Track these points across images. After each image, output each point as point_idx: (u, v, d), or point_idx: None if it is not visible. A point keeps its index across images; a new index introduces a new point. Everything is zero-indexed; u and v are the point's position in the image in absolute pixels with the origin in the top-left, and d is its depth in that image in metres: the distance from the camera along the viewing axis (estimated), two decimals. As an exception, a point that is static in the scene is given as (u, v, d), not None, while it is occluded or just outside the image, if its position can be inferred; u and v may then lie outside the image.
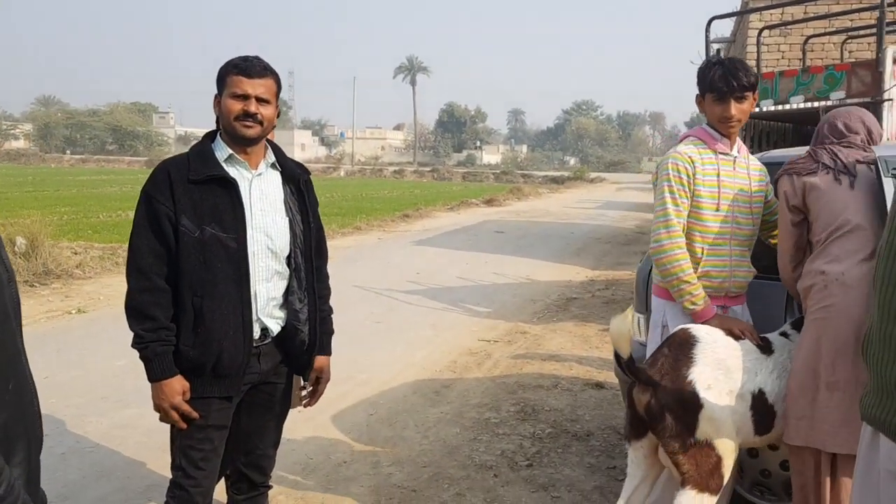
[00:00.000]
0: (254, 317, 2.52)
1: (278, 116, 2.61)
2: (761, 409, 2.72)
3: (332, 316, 2.91)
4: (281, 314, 2.63)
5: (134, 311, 2.42)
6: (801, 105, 6.54)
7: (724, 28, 23.92)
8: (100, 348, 6.43)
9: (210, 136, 2.58)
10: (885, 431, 1.69)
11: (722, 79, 2.91)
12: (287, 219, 2.60)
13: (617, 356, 2.72)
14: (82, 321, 7.54)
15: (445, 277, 10.62)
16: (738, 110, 2.95)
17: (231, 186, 2.46)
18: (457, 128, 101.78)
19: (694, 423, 2.59)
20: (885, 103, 5.94)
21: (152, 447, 4.26)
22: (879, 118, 5.93)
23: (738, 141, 3.09)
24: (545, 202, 29.51)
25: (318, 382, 2.88)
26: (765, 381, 2.74)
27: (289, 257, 2.60)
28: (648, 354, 2.98)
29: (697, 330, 2.80)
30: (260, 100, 2.49)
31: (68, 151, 75.00)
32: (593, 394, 5.43)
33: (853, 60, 8.38)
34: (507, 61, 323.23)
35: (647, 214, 23.21)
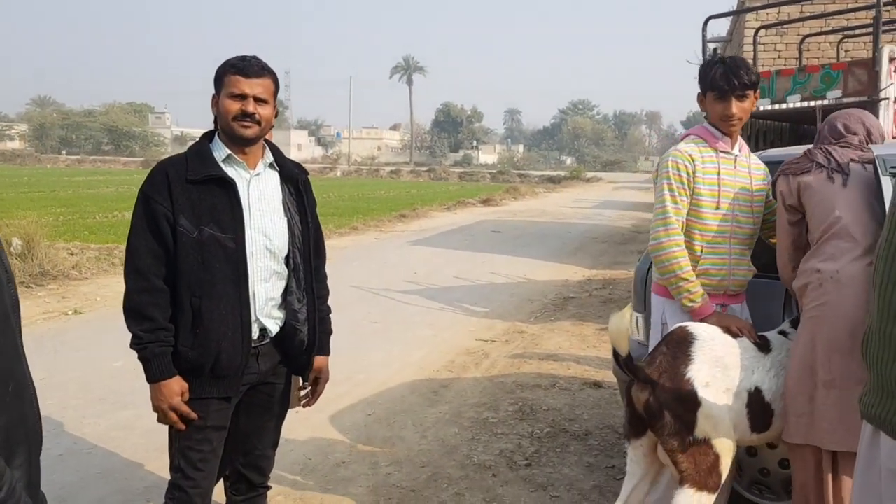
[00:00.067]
0: (252, 317, 2.51)
1: (276, 116, 2.60)
2: (758, 407, 2.72)
3: (331, 316, 2.90)
4: (279, 314, 2.62)
5: (132, 311, 2.41)
6: (798, 104, 6.56)
7: (721, 27, 23.96)
8: (97, 349, 6.41)
9: (208, 136, 2.58)
10: (885, 430, 1.69)
11: (723, 77, 2.92)
12: (285, 219, 2.60)
13: (615, 354, 2.73)
14: (79, 322, 7.53)
15: (442, 277, 10.62)
16: (740, 109, 2.96)
17: (229, 186, 2.46)
18: (453, 127, 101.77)
19: (692, 420, 2.60)
20: (882, 102, 5.95)
21: (150, 448, 4.26)
22: (876, 117, 5.94)
23: (740, 140, 3.10)
24: (542, 202, 29.53)
25: (317, 383, 2.87)
26: (762, 379, 2.75)
27: (287, 257, 2.60)
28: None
29: (695, 328, 2.80)
30: (258, 100, 2.48)
31: (64, 152, 74.85)
32: (591, 393, 5.44)
33: (849, 60, 8.39)
34: (503, 61, 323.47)
35: (644, 214, 23.26)
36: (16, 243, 9.60)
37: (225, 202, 2.45)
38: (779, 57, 10.97)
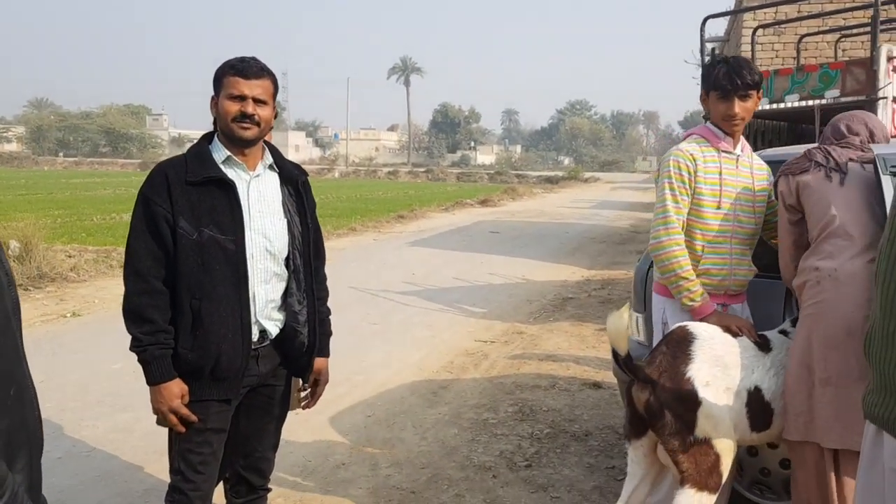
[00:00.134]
0: (252, 319, 2.50)
1: (276, 117, 2.60)
2: (758, 407, 2.72)
3: (330, 317, 2.89)
4: (279, 316, 2.61)
5: (132, 313, 2.40)
6: (796, 103, 6.56)
7: (718, 27, 23.98)
8: (95, 352, 6.40)
9: (207, 138, 2.57)
10: (889, 430, 1.68)
11: (726, 77, 2.92)
12: (285, 220, 2.59)
13: (615, 354, 2.72)
14: (77, 324, 7.51)
15: (441, 278, 10.62)
16: (742, 108, 2.96)
17: (229, 188, 2.45)
18: (451, 128, 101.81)
19: (693, 420, 2.59)
20: (880, 101, 5.95)
21: (149, 451, 4.25)
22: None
23: (742, 140, 3.10)
24: (540, 202, 29.54)
25: (317, 384, 2.86)
26: (762, 378, 2.74)
27: (287, 259, 2.59)
28: None
29: (695, 327, 2.80)
30: (257, 101, 2.47)
31: (61, 154, 74.81)
32: (591, 394, 5.43)
33: (847, 59, 8.40)
34: (500, 61, 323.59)
35: (642, 214, 23.28)
36: (13, 246, 9.59)
37: (225, 204, 2.44)
38: (776, 56, 10.98)
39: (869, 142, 2.83)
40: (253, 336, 2.51)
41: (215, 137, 2.55)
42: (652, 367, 2.69)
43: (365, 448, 4.43)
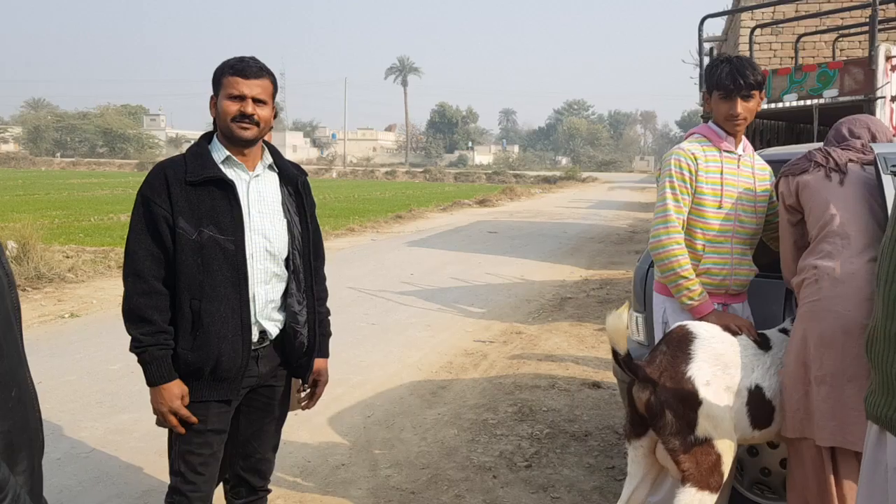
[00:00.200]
0: (252, 319, 2.49)
1: (275, 117, 2.59)
2: (758, 405, 2.71)
3: (329, 318, 2.89)
4: (279, 317, 2.61)
5: (131, 314, 2.39)
6: (795, 103, 6.57)
7: (716, 27, 23.98)
8: (94, 352, 6.38)
9: (206, 138, 2.56)
10: (892, 430, 1.68)
11: (729, 76, 2.92)
12: (285, 220, 2.58)
13: (615, 353, 2.72)
14: (75, 325, 7.50)
15: (439, 278, 10.61)
16: (745, 108, 2.96)
17: (229, 188, 2.44)
18: (448, 128, 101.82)
19: (694, 419, 2.59)
20: (878, 101, 5.96)
21: (148, 452, 4.24)
22: (872, 115, 5.95)
23: (744, 139, 3.10)
24: (538, 202, 29.54)
25: (317, 385, 2.85)
26: (762, 376, 2.74)
27: (287, 259, 2.58)
28: None
29: (695, 326, 2.80)
30: (256, 101, 2.46)
31: (58, 154, 74.73)
32: (590, 394, 5.43)
33: (845, 58, 8.41)
34: (498, 61, 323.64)
35: (640, 213, 23.29)
36: (11, 246, 9.57)
37: (224, 204, 2.43)
38: (774, 56, 10.99)
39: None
40: (253, 337, 2.51)
41: (214, 137, 2.54)
42: (652, 366, 2.69)
43: (364, 448, 4.42)
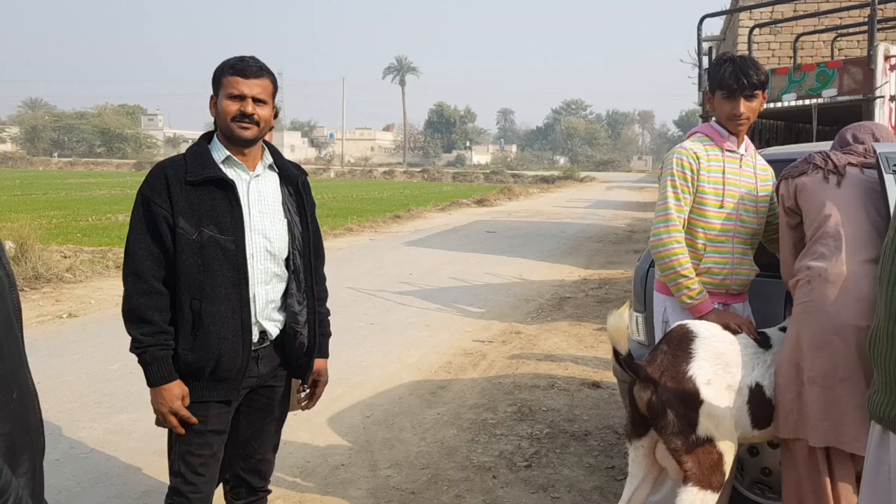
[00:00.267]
0: (252, 320, 2.49)
1: (276, 117, 2.58)
2: (758, 404, 2.71)
3: (329, 318, 2.88)
4: (279, 317, 2.60)
5: (131, 314, 2.38)
6: (793, 102, 6.57)
7: (714, 27, 24.01)
8: (92, 353, 6.37)
9: (206, 138, 2.55)
10: (894, 430, 1.68)
11: (732, 76, 2.92)
12: (285, 220, 2.57)
13: (616, 353, 2.71)
14: (74, 325, 7.48)
15: (438, 278, 10.61)
16: (748, 108, 2.95)
17: (229, 188, 2.43)
18: (446, 128, 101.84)
19: (695, 419, 2.59)
20: (877, 100, 5.96)
21: (147, 452, 4.23)
22: (871, 115, 5.95)
23: (747, 139, 3.10)
24: (536, 202, 29.54)
25: (316, 385, 2.85)
26: (762, 375, 2.74)
27: (287, 259, 2.58)
28: None
29: (695, 325, 2.80)
30: (256, 100, 2.46)
31: (56, 154, 74.64)
32: (590, 393, 5.43)
33: (843, 58, 8.42)
34: (495, 61, 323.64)
35: (638, 213, 23.30)
36: (9, 246, 9.55)
37: (225, 204, 2.42)
38: (773, 56, 10.99)
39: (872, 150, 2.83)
40: (253, 337, 2.50)
41: (215, 137, 2.53)
42: (653, 366, 2.68)
43: (364, 448, 4.41)
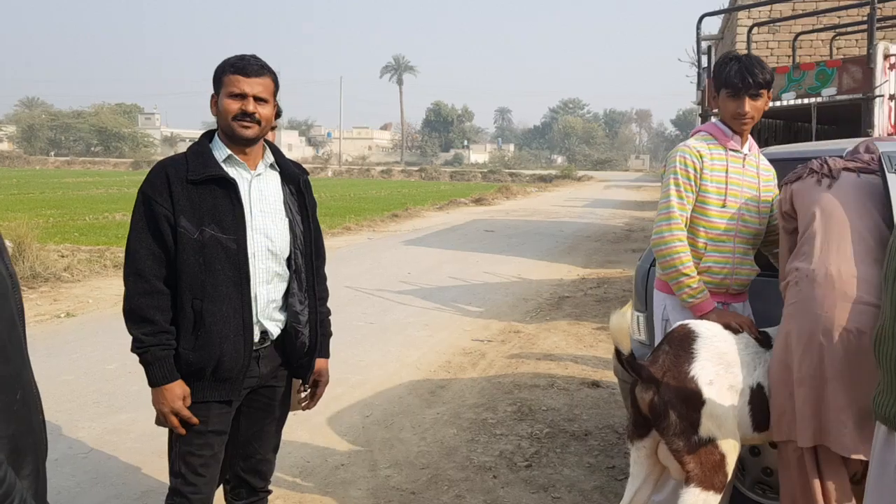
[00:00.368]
0: (254, 319, 2.48)
1: (279, 116, 2.57)
2: (760, 404, 2.70)
3: (330, 318, 2.87)
4: (280, 317, 2.59)
5: (132, 314, 2.37)
6: (793, 101, 6.56)
7: (712, 26, 24.00)
8: (90, 352, 6.36)
9: (208, 136, 2.54)
10: (900, 430, 1.68)
11: (738, 75, 2.91)
12: (287, 220, 2.56)
13: (618, 353, 2.70)
14: (72, 325, 7.46)
15: (437, 277, 10.60)
16: (752, 107, 2.94)
17: (230, 187, 2.42)
18: (444, 127, 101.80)
19: (697, 419, 2.58)
20: (877, 99, 5.96)
21: (147, 452, 4.21)
22: (870, 114, 5.95)
23: (750, 139, 3.09)
24: (534, 201, 29.54)
25: (317, 385, 2.84)
26: (764, 375, 2.73)
27: (289, 259, 2.56)
28: None
29: (697, 325, 2.79)
30: (258, 99, 2.44)
31: (52, 153, 74.49)
32: (590, 393, 5.42)
33: (842, 57, 8.42)
34: (493, 60, 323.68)
35: (636, 212, 23.31)
36: (6, 245, 9.52)
37: (226, 203, 2.41)
38: (771, 55, 10.99)
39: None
40: (254, 337, 2.49)
41: (216, 136, 2.52)
42: (655, 366, 2.67)
43: (364, 448, 4.40)
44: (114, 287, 9.10)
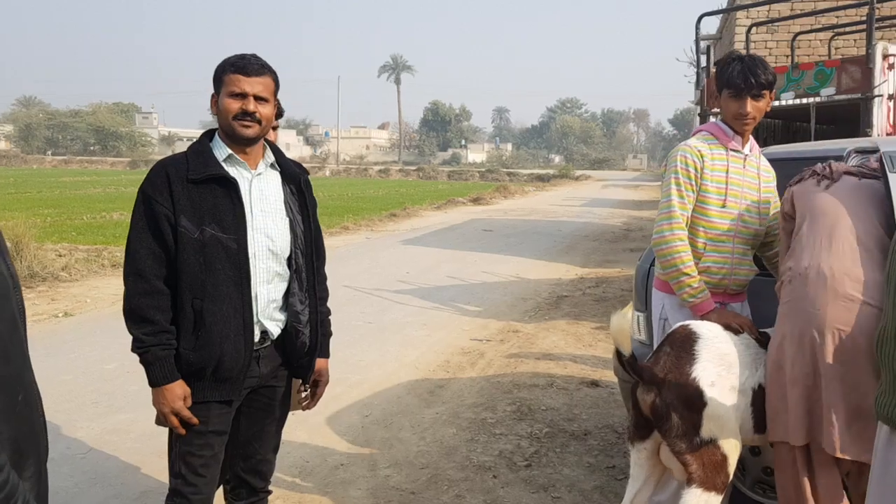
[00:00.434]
0: (254, 319, 2.47)
1: (280, 116, 2.56)
2: (761, 406, 2.70)
3: (330, 318, 2.86)
4: (281, 317, 2.58)
5: (133, 314, 2.36)
6: (791, 101, 6.56)
7: (710, 25, 24.03)
8: (88, 352, 6.34)
9: (208, 136, 2.53)
10: (904, 431, 1.67)
11: (740, 75, 2.91)
12: (287, 219, 2.56)
13: (619, 354, 2.70)
14: (70, 324, 7.45)
15: (435, 276, 10.59)
16: (754, 108, 2.94)
17: (231, 186, 2.41)
18: (441, 126, 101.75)
19: (699, 421, 2.57)
20: (876, 99, 5.96)
21: (146, 452, 4.21)
22: (870, 114, 5.96)
23: (751, 140, 3.09)
24: (531, 200, 29.54)
25: (317, 385, 2.83)
26: (764, 376, 2.73)
27: (289, 258, 2.56)
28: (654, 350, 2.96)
29: (698, 326, 2.78)
30: (258, 98, 2.44)
31: (50, 152, 74.38)
32: (589, 392, 5.42)
33: (840, 57, 8.43)
34: (491, 59, 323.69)
35: (634, 211, 23.32)
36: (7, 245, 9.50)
37: (227, 202, 2.40)
38: (770, 55, 11.00)
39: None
40: (255, 337, 2.48)
41: (216, 135, 2.51)
42: (656, 368, 2.66)
43: (363, 448, 4.40)
44: (112, 286, 9.09)
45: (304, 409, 2.88)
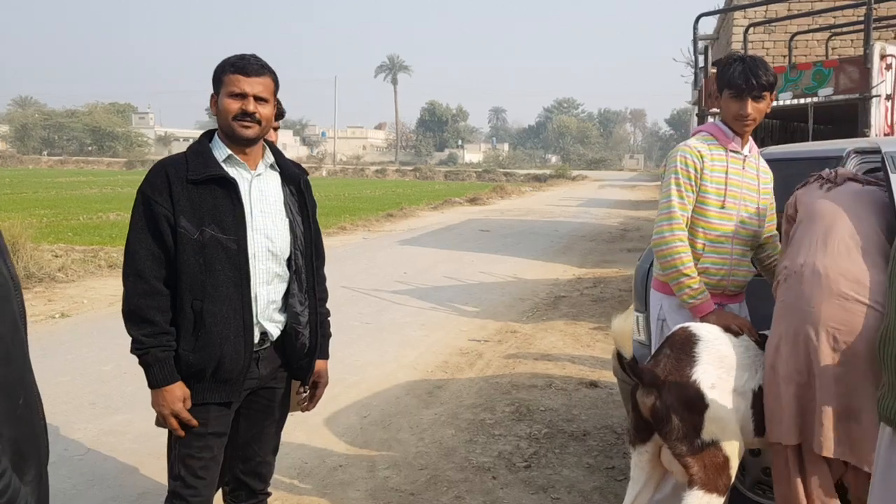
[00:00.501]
0: (254, 320, 2.46)
1: (281, 117, 2.55)
2: (762, 408, 2.69)
3: (329, 318, 2.85)
4: (280, 318, 2.57)
5: (132, 315, 2.35)
6: (789, 101, 6.57)
7: (708, 25, 24.04)
8: (86, 353, 6.32)
9: (208, 136, 2.52)
10: (907, 431, 1.67)
11: (741, 76, 2.90)
12: (287, 220, 2.55)
13: (620, 357, 2.69)
14: (67, 325, 7.42)
15: (432, 277, 10.58)
16: (755, 109, 2.94)
17: (231, 187, 2.40)
18: (438, 126, 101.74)
19: (700, 423, 2.56)
20: (873, 99, 5.97)
21: (143, 453, 4.19)
22: (867, 114, 5.96)
23: (751, 141, 3.08)
24: (528, 200, 29.54)
25: (317, 387, 2.82)
26: (763, 377, 2.72)
27: (289, 259, 2.55)
28: (653, 350, 2.95)
29: (698, 328, 2.77)
30: (258, 99, 2.43)
31: (46, 153, 74.23)
32: (588, 393, 5.41)
33: (837, 57, 8.43)
34: (487, 60, 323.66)
35: (630, 211, 23.34)
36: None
37: (227, 203, 2.39)
38: (767, 55, 10.99)
39: None
40: (254, 338, 2.47)
41: (216, 136, 2.50)
42: (656, 370, 2.66)
43: (362, 449, 4.39)
44: (108, 287, 9.07)
45: (303, 410, 2.87)
